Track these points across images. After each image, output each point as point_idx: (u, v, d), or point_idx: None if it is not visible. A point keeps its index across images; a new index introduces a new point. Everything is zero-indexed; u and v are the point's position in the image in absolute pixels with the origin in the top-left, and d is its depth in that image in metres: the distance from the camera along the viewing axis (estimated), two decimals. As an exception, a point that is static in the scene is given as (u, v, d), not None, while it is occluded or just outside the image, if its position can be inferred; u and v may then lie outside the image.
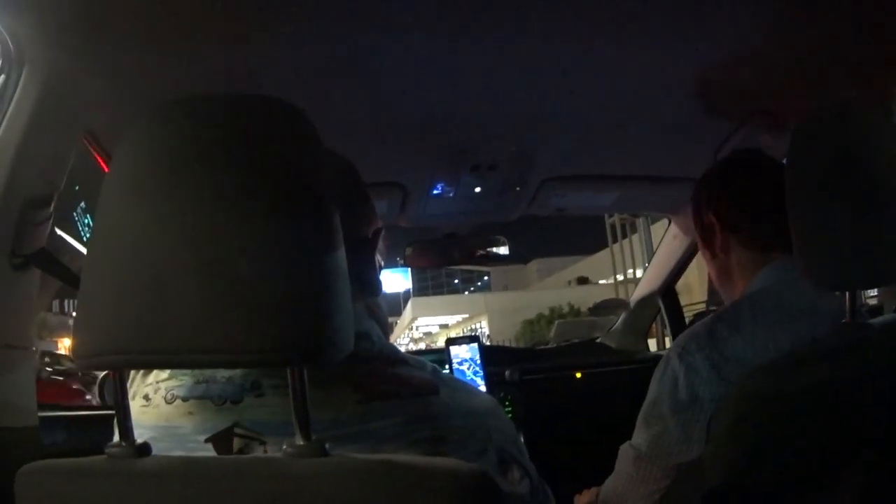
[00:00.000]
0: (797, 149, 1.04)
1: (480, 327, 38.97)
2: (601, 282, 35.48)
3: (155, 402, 0.87)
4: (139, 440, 0.74)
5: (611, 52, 1.49)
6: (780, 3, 1.34)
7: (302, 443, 0.68)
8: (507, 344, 14.60)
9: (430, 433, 0.83)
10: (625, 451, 1.33)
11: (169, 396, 0.87)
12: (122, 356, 0.68)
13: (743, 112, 1.82)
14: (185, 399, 0.85)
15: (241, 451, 0.82)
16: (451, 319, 45.61)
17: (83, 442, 0.95)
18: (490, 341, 26.33)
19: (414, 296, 45.62)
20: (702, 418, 1.20)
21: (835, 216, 0.98)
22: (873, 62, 1.52)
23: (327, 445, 0.68)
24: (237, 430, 0.82)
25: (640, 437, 1.29)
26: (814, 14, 1.38)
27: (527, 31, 1.38)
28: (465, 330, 38.61)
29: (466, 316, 43.01)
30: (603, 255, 35.32)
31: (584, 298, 31.07)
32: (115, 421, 0.74)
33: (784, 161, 1.15)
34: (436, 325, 47.75)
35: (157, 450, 0.77)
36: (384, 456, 0.76)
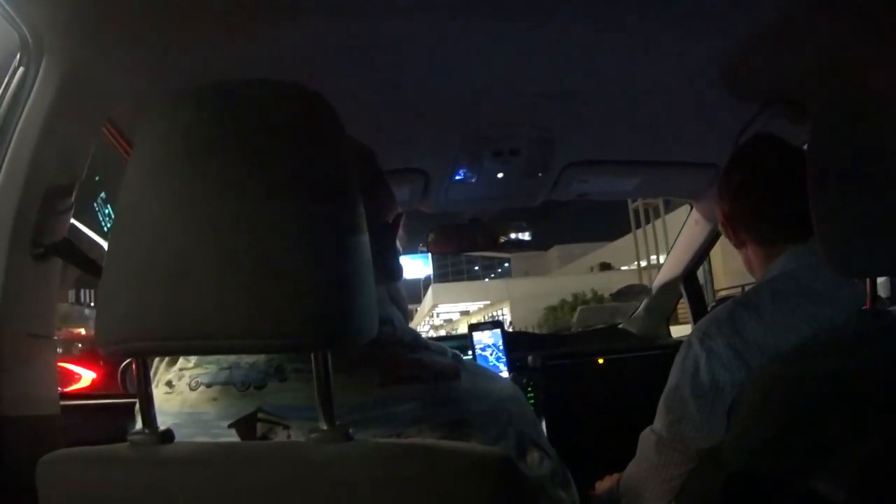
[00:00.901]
0: (818, 135, 1.04)
1: (502, 314, 38.72)
2: (623, 268, 35.30)
3: (179, 389, 0.89)
4: (162, 427, 0.75)
5: (633, 37, 1.49)
6: None
7: (326, 428, 0.68)
8: (529, 331, 14.54)
9: (451, 417, 0.85)
10: (646, 436, 1.35)
11: (193, 383, 0.88)
12: (144, 343, 0.69)
13: (765, 98, 1.83)
14: (209, 385, 0.87)
15: (264, 436, 0.83)
16: (472, 306, 45.38)
17: (106, 430, 0.96)
18: (512, 328, 26.27)
19: (434, 282, 45.42)
20: (722, 404, 1.20)
21: (855, 203, 0.97)
22: (895, 48, 1.51)
23: (351, 430, 0.68)
24: (260, 415, 0.84)
25: (660, 422, 1.32)
26: (838, 2, 1.37)
27: (549, 15, 1.39)
28: (486, 317, 38.39)
29: (488, 302, 42.84)
30: (625, 240, 35.07)
31: (607, 284, 30.88)
32: (138, 408, 0.75)
33: (804, 147, 1.15)
34: (456, 312, 47.52)
35: (180, 436, 0.78)
36: (407, 440, 0.79)
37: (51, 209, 1.29)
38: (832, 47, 1.54)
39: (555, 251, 47.45)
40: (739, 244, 1.44)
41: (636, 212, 30.01)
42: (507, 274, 50.54)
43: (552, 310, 31.76)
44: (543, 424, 2.28)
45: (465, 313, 46.68)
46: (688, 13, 1.40)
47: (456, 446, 0.73)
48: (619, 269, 35.60)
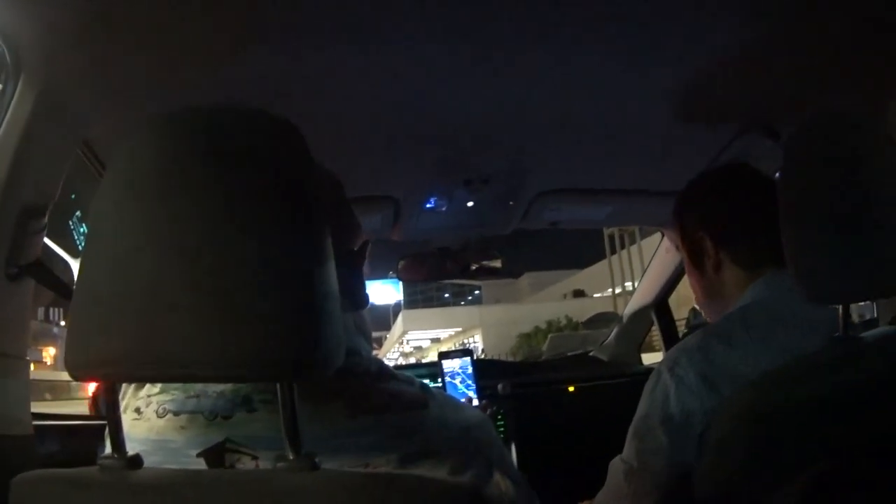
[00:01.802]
0: (790, 161, 1.05)
1: (474, 341, 38.41)
2: (597, 295, 35.41)
3: (146, 416, 0.89)
4: (131, 453, 0.75)
5: (605, 66, 1.52)
6: (773, 15, 1.36)
7: (292, 457, 0.69)
8: (502, 359, 14.51)
9: (419, 447, 0.85)
10: (615, 465, 1.33)
11: (161, 410, 0.88)
12: (113, 369, 0.70)
13: (737, 125, 1.86)
14: (176, 413, 0.87)
15: (231, 466, 0.84)
16: (443, 333, 45.11)
17: (78, 452, 0.98)
18: (485, 356, 26.17)
19: (405, 308, 45.20)
20: (692, 433, 1.20)
21: (828, 229, 0.99)
22: (867, 74, 1.55)
23: (318, 459, 0.69)
24: (229, 445, 0.84)
25: (629, 450, 1.30)
26: (807, 26, 1.40)
27: (520, 45, 1.42)
28: (457, 344, 38.11)
29: (459, 329, 42.57)
30: (598, 267, 35.17)
31: (581, 311, 30.92)
32: (107, 432, 0.75)
33: (776, 175, 1.16)
34: (427, 340, 47.16)
35: (149, 463, 0.79)
36: (374, 470, 0.80)
37: (25, 229, 1.30)
38: (802, 75, 1.57)
39: (526, 278, 47.19)
40: (715, 269, 1.42)
41: (611, 237, 30.18)
42: (477, 301, 50.26)
43: (526, 337, 31.67)
44: (513, 452, 2.30)
45: (435, 340, 46.17)
46: (658, 43, 1.43)
47: (423, 477, 0.76)
48: (592, 297, 35.72)
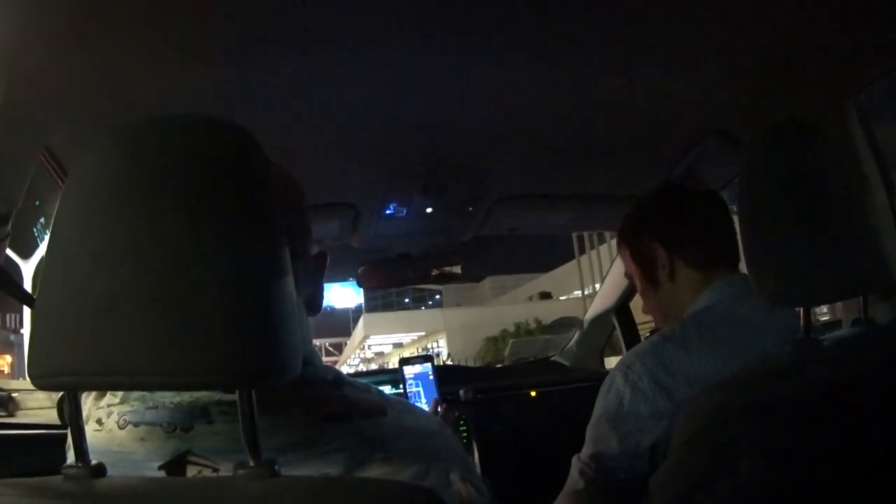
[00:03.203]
0: (749, 166, 1.08)
1: (438, 346, 38.30)
2: (563, 297, 35.48)
3: (108, 427, 0.90)
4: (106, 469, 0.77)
5: (562, 72, 1.57)
6: (730, 21, 1.41)
7: (252, 464, 0.71)
8: (468, 364, 14.48)
9: (380, 454, 0.88)
10: (575, 462, 1.39)
11: (122, 421, 0.89)
12: (73, 377, 0.70)
13: (696, 131, 1.92)
14: (136, 425, 0.88)
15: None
16: (405, 338, 44.77)
17: (43, 461, 1.01)
18: (451, 360, 26.01)
19: (366, 312, 44.84)
20: (644, 438, 1.26)
21: (787, 233, 1.02)
22: (825, 79, 1.58)
23: (277, 466, 0.71)
24: (190, 458, 0.86)
25: (585, 451, 1.37)
26: (764, 33, 1.46)
27: (476, 52, 1.46)
28: (420, 349, 37.86)
29: (423, 334, 42.38)
30: (566, 268, 35.14)
31: (549, 314, 30.93)
32: (70, 441, 0.76)
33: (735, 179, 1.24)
34: (389, 345, 46.81)
35: (112, 474, 0.79)
36: (334, 476, 0.83)
37: None
38: (760, 81, 1.62)
39: (487, 282, 47.32)
40: (670, 277, 1.47)
41: (580, 238, 30.25)
42: (438, 306, 49.69)
43: (493, 340, 31.55)
44: (476, 457, 2.34)
45: (398, 345, 45.90)
46: (616, 50, 1.48)
47: (382, 482, 0.78)
48: (559, 299, 35.78)
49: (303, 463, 0.85)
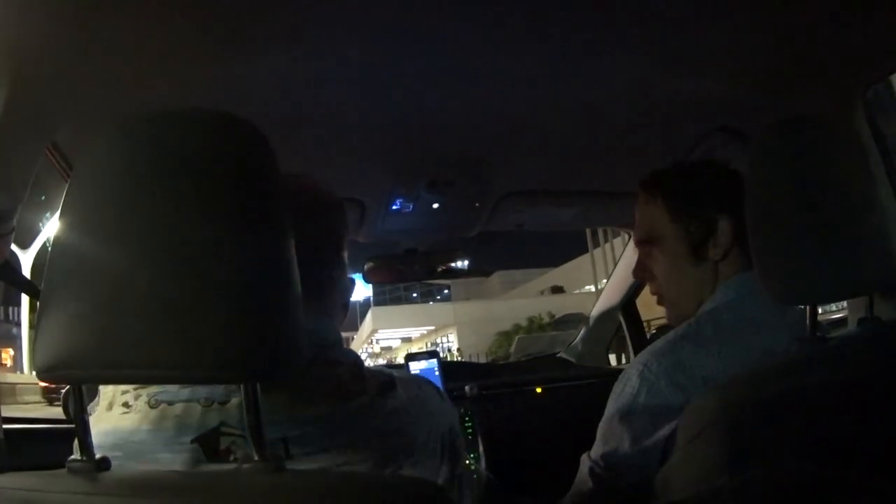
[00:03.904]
0: (756, 163, 1.10)
1: (448, 341, 37.90)
2: (576, 291, 35.30)
3: (137, 408, 0.95)
4: (114, 449, 0.83)
5: (569, 68, 1.58)
6: (738, 18, 1.42)
7: (257, 458, 0.73)
8: (479, 359, 14.38)
9: (395, 425, 0.99)
10: (584, 460, 1.39)
11: (153, 401, 0.94)
12: (80, 371, 0.73)
13: (704, 127, 1.93)
14: (171, 403, 0.94)
15: (227, 449, 0.91)
16: (414, 332, 44.34)
17: (51, 455, 1.06)
18: (460, 356, 25.86)
19: (374, 306, 44.57)
20: (657, 438, 1.26)
21: (794, 230, 1.04)
22: (834, 76, 1.58)
23: (292, 452, 0.78)
24: (224, 429, 0.91)
25: (596, 450, 1.36)
26: (774, 28, 1.46)
27: (484, 46, 1.48)
28: (429, 344, 37.52)
29: (432, 328, 41.94)
30: (577, 262, 34.81)
31: (561, 308, 30.72)
32: (76, 434, 0.78)
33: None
34: (397, 339, 46.22)
35: (140, 453, 0.89)
36: (341, 471, 0.89)
37: None
38: (768, 77, 1.63)
39: (496, 277, 47.07)
40: (723, 254, 1.42)
41: (594, 231, 30.07)
42: (446, 300, 48.99)
43: (506, 335, 30.87)
44: (481, 453, 2.39)
45: (406, 340, 45.38)
46: (624, 44, 1.50)
47: (390, 478, 0.83)
48: (571, 293, 35.60)
49: (322, 439, 0.93)
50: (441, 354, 2.72)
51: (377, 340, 45.52)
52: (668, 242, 1.49)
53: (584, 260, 34.44)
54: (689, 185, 1.49)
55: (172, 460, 0.92)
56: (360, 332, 46.19)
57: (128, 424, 0.95)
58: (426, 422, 1.06)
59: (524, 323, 31.57)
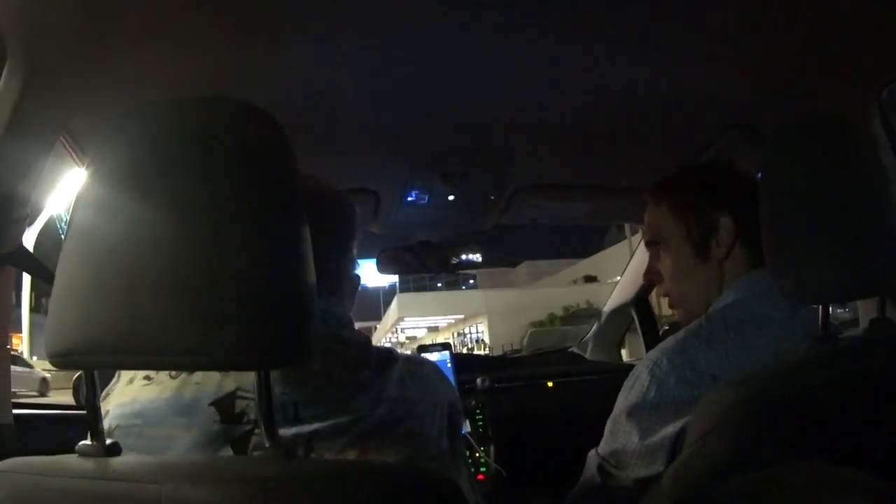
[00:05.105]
0: (771, 161, 1.12)
1: (477, 331, 37.62)
2: (609, 280, 34.83)
3: (158, 380, 1.03)
4: (135, 417, 0.91)
5: (585, 62, 1.63)
6: (754, 15, 1.45)
7: (268, 445, 0.76)
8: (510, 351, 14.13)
9: (398, 393, 1.07)
10: (592, 456, 1.42)
11: (174, 373, 1.02)
12: (92, 356, 0.74)
13: (718, 124, 1.98)
14: (190, 372, 1.02)
15: (242, 412, 0.99)
16: (441, 321, 43.81)
17: (60, 440, 1.02)
18: (489, 350, 25.37)
19: (399, 292, 43.93)
20: (666, 436, 1.28)
21: (808, 229, 1.05)
22: (849, 75, 1.62)
23: (301, 415, 0.83)
24: (240, 393, 0.99)
25: (604, 447, 1.39)
26: (791, 26, 1.49)
27: (500, 40, 1.51)
28: (457, 333, 37.15)
29: (461, 317, 41.40)
30: (606, 254, 34.23)
31: (595, 297, 30.31)
32: (87, 420, 0.81)
33: (758, 174, 1.26)
34: (423, 328, 45.83)
35: (160, 418, 0.96)
36: (352, 459, 0.94)
37: (7, 216, 1.42)
38: (783, 75, 1.67)
39: (523, 267, 46.63)
40: (726, 253, 1.46)
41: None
42: (472, 290, 48.88)
43: (539, 325, 30.23)
44: (492, 446, 2.45)
45: (433, 329, 44.92)
46: (641, 40, 1.53)
47: (397, 467, 0.87)
48: (606, 282, 35.24)
49: (334, 401, 1.02)
50: (469, 346, 2.74)
51: (402, 329, 45.05)
52: (673, 243, 1.54)
53: (614, 250, 33.99)
54: (689, 185, 1.55)
55: (189, 423, 1.00)
56: (384, 321, 45.72)
57: (149, 395, 1.03)
58: (426, 394, 1.13)
59: (560, 312, 30.84)
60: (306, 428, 1.00)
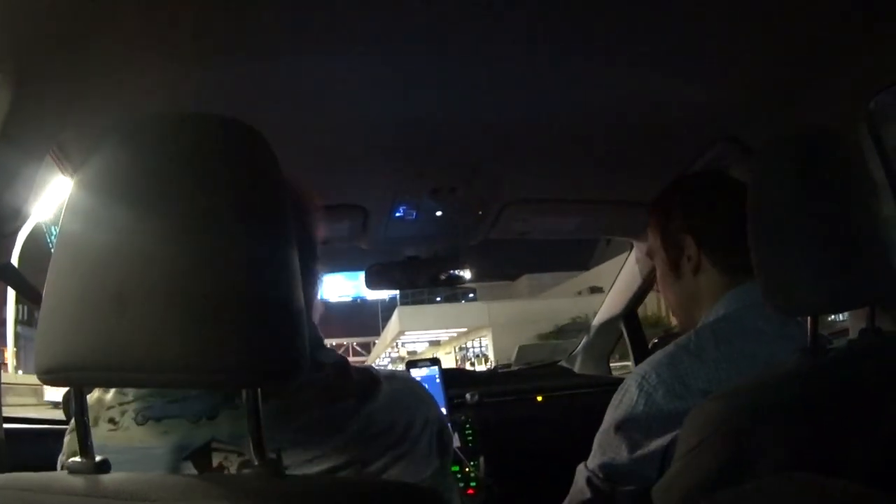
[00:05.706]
0: (760, 173, 1.13)
1: (480, 345, 36.97)
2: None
3: (124, 425, 0.96)
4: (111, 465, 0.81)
5: (572, 77, 1.66)
6: (742, 28, 1.46)
7: (257, 463, 0.75)
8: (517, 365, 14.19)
9: (381, 425, 1.02)
10: (581, 470, 1.43)
11: (140, 418, 0.96)
12: (81, 372, 0.74)
13: (708, 137, 2.00)
14: (158, 419, 0.95)
15: (220, 466, 0.93)
16: (443, 335, 43.19)
17: (52, 456, 1.06)
18: (493, 365, 25.16)
19: (400, 305, 43.03)
20: (655, 449, 1.30)
21: (797, 241, 1.06)
22: (838, 87, 1.64)
23: (286, 465, 0.79)
24: (215, 445, 0.93)
25: (593, 460, 1.40)
26: (778, 39, 1.51)
27: (487, 55, 1.53)
28: (458, 348, 36.55)
29: (463, 330, 40.79)
30: (614, 262, 33.95)
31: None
32: (76, 437, 0.80)
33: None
34: (424, 342, 45.24)
35: (132, 471, 0.85)
36: (341, 477, 0.93)
37: None
38: (773, 88, 1.70)
39: (524, 280, 46.39)
40: (694, 272, 1.49)
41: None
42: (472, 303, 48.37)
43: (545, 338, 28.99)
44: (482, 460, 2.49)
45: (434, 343, 44.29)
46: (628, 55, 1.55)
47: (387, 483, 0.88)
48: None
49: (318, 434, 0.96)
50: (471, 360, 2.76)
51: (402, 344, 44.28)
52: (658, 257, 1.61)
53: (618, 261, 33.42)
54: (663, 203, 1.60)
55: None
56: (383, 336, 44.97)
57: (115, 443, 0.96)
58: (411, 415, 1.09)
59: (567, 322, 29.99)
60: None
